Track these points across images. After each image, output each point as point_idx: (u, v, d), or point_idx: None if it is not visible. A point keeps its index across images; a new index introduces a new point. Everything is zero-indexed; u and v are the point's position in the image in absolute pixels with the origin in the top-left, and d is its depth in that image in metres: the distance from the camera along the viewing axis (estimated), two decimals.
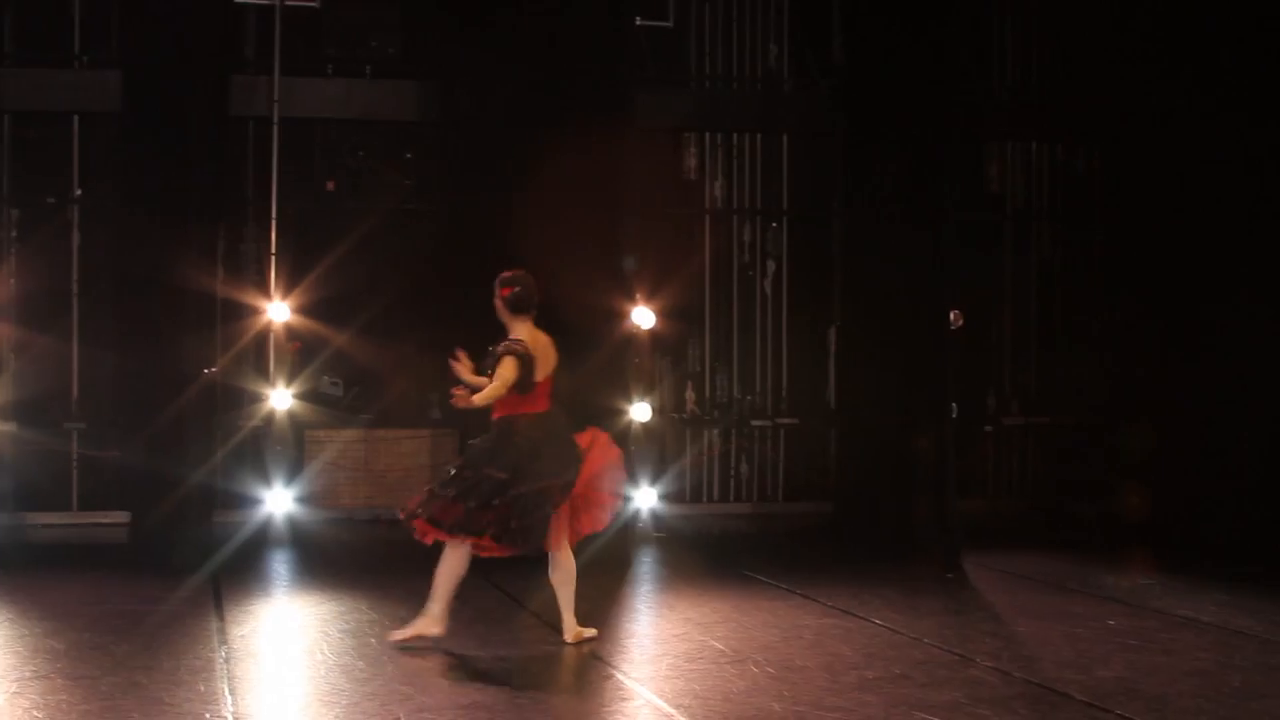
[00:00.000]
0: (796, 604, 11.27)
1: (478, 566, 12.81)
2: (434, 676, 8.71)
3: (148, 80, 13.65)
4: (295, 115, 15.53)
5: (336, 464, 15.47)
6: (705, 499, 16.59)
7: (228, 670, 8.86)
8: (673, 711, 7.91)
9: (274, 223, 15.12)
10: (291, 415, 14.97)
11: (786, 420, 16.78)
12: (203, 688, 8.39)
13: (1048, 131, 17.17)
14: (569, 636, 9.66)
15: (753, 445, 16.73)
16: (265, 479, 14.71)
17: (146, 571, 12.26)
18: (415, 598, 11.30)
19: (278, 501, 14.68)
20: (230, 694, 8.23)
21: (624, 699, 8.35)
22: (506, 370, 9.50)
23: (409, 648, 9.45)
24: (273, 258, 15.05)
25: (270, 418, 14.86)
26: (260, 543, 14.11)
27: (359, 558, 13.66)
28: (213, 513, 13.89)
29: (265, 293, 14.94)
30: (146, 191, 13.49)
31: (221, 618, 10.51)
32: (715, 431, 16.68)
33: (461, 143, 14.86)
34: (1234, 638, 10.06)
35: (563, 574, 9.70)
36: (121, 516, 13.91)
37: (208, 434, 13.80)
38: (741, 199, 16.83)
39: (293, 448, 15.07)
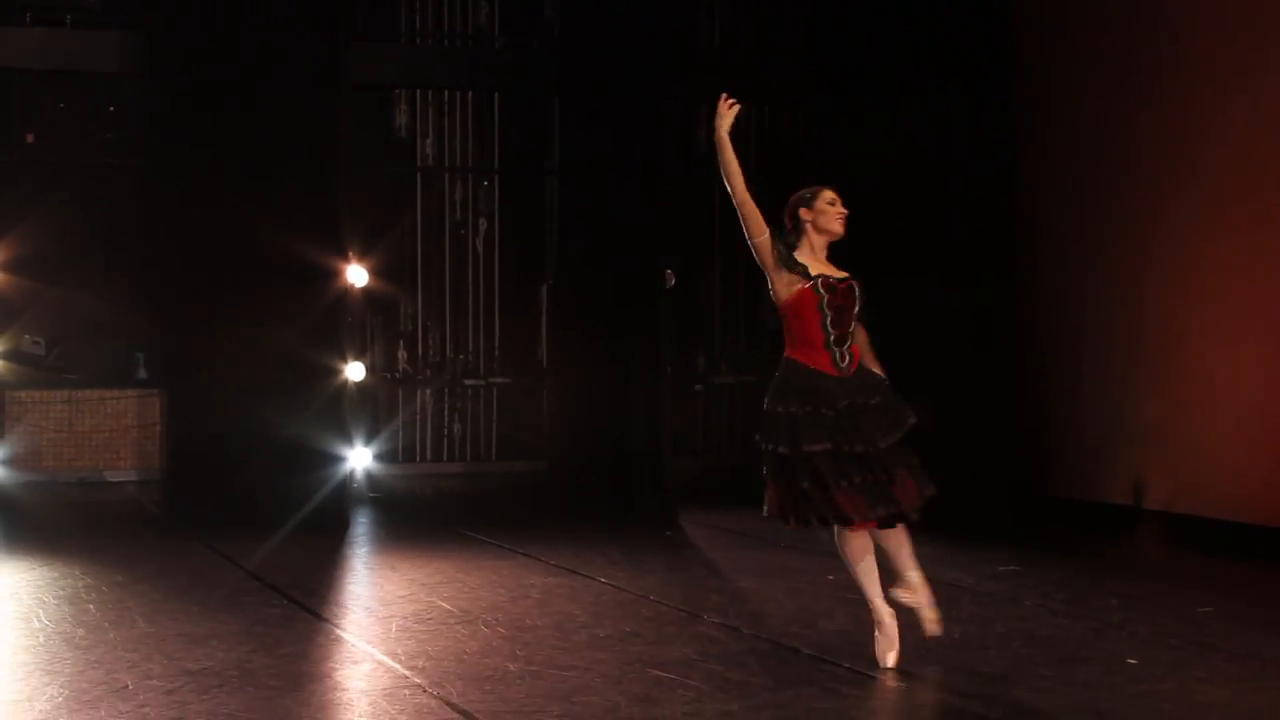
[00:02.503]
0: (521, 563, 11.29)
1: (190, 529, 12.67)
2: (158, 643, 8.50)
3: None
4: None
5: (39, 426, 15.05)
6: (418, 459, 16.52)
7: None
8: (407, 673, 7.84)
9: None
10: None
11: (499, 379, 16.78)
12: None
13: (754, 93, 17.33)
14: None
15: (465, 404, 16.69)
16: None
17: None
18: (130, 561, 11.15)
19: None
20: None
21: (355, 662, 8.26)
22: None
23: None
24: None
25: None
26: None
27: (67, 521, 13.34)
28: None
29: None
30: None
31: None
32: (428, 391, 16.59)
33: (165, 96, 14.51)
34: (949, 590, 10.24)
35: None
36: None
37: None
38: (453, 157, 16.74)
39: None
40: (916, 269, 14.58)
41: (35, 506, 13.97)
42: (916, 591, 8.06)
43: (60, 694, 7.41)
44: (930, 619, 8.08)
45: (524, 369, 16.79)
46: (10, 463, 14.67)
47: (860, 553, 8.02)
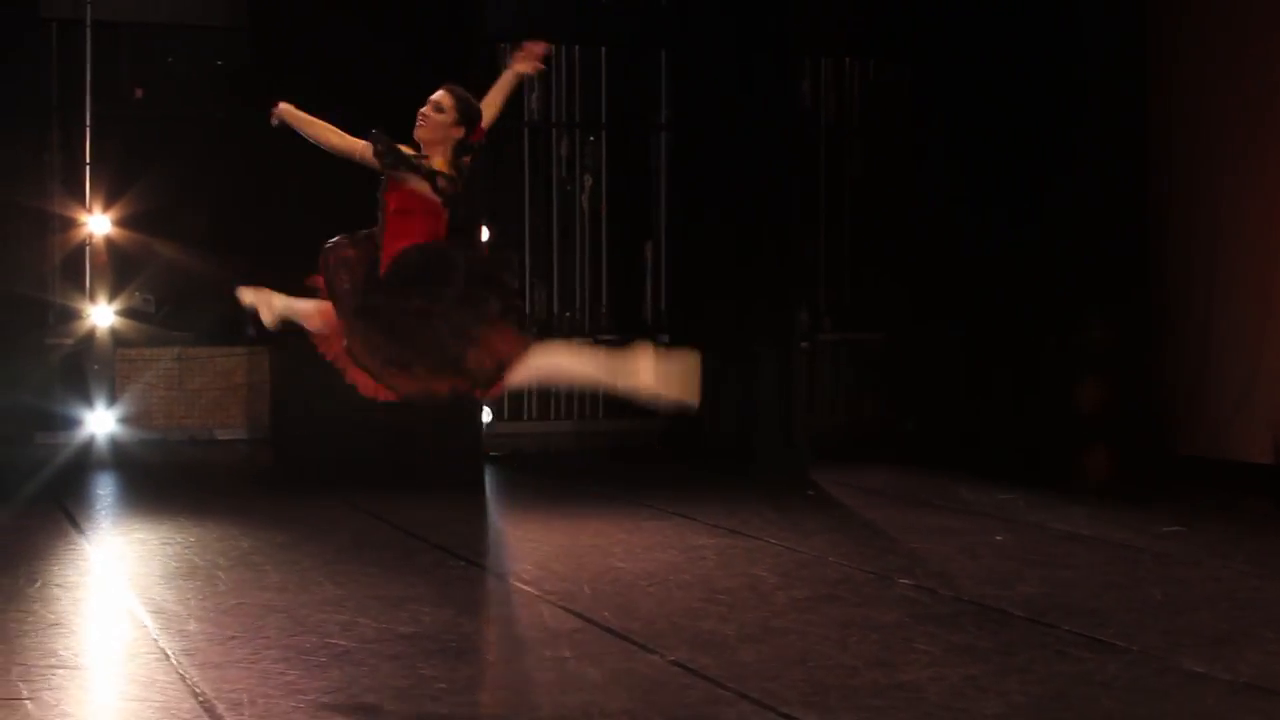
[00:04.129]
0: (677, 524, 11.13)
1: (325, 488, 12.45)
2: (356, 606, 8.36)
3: None
4: (102, 19, 14.80)
5: (149, 384, 14.90)
6: (525, 416, 16.31)
7: (112, 600, 8.48)
8: (627, 638, 7.70)
9: (88, 131, 14.41)
10: (114, 333, 14.39)
11: (606, 337, 16.57)
12: (124, 626, 7.99)
13: (859, 47, 17.12)
14: None
15: None
16: (86, 399, 14.08)
17: None
18: (281, 521, 11.03)
19: (99, 422, 14.09)
20: (159, 630, 7.81)
21: (570, 628, 8.04)
22: None
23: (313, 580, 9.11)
24: (87, 168, 14.36)
25: (91, 335, 14.22)
26: (87, 466, 13.62)
27: (197, 481, 13.19)
28: (34, 435, 13.32)
29: (82, 204, 14.27)
30: None
31: (84, 548, 10.09)
32: None
33: (274, 48, 14.24)
34: (1124, 551, 10.18)
35: None
36: None
37: (27, 352, 13.22)
38: (559, 112, 16.53)
39: (110, 366, 14.45)
40: (1039, 221, 14.39)
41: (160, 466, 13.83)
42: None
43: (282, 656, 7.30)
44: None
45: (631, 326, 16.58)
46: (124, 421, 14.49)
47: None
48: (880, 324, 16.74)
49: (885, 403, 16.32)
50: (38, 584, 8.89)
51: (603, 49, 16.57)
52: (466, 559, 9.77)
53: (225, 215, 15.16)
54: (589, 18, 16.45)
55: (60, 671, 7.02)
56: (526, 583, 9.08)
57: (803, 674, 7.06)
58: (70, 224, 14.18)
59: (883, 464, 14.35)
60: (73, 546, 10.14)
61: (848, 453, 15.02)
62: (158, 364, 14.98)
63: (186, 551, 9.97)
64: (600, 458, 15.16)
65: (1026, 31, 14.62)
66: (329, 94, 13.22)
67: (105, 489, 12.83)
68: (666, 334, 16.00)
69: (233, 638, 7.68)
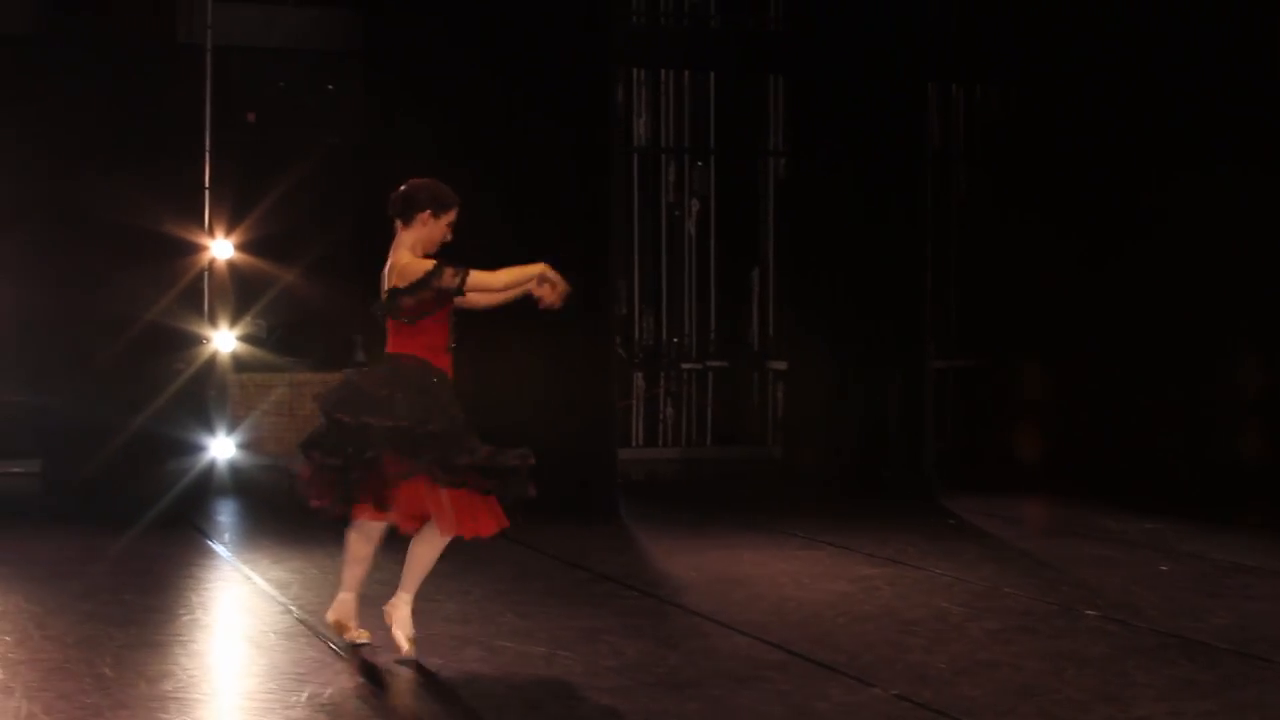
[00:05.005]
0: (833, 554, 10.99)
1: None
2: (551, 636, 8.24)
3: None
4: (220, 44, 14.71)
5: (263, 410, 14.81)
6: (632, 444, 16.17)
7: (303, 626, 8.38)
8: (843, 671, 7.56)
9: (208, 156, 14.32)
10: (235, 358, 14.32)
11: (715, 363, 16.48)
12: (298, 652, 7.89)
13: (965, 73, 17.01)
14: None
15: (680, 389, 16.37)
16: (207, 424, 13.95)
17: (93, 523, 11.72)
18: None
19: (220, 448, 13.98)
20: (361, 662, 7.69)
21: (771, 657, 7.92)
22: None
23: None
24: (207, 192, 14.27)
25: (212, 361, 14.10)
26: (212, 491, 13.54)
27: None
28: (156, 461, 13.22)
29: (202, 229, 14.16)
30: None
31: (246, 575, 10.00)
32: (641, 375, 16.31)
33: (393, 74, 14.14)
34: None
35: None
36: (31, 466, 13.49)
37: (149, 378, 13.11)
38: (668, 137, 16.44)
39: (229, 392, 14.36)
40: (1162, 247, 14.30)
41: (283, 492, 13.72)
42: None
43: (501, 690, 7.20)
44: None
45: (740, 352, 16.50)
46: (242, 446, 14.39)
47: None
48: (986, 349, 16.62)
49: (999, 429, 16.17)
50: (211, 612, 8.85)
51: (712, 74, 16.48)
52: (639, 589, 9.64)
53: (337, 239, 15.05)
54: (698, 43, 16.38)
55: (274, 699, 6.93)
56: (710, 614, 8.93)
57: (1034, 708, 6.92)
58: (191, 249, 14.03)
59: (1010, 491, 14.21)
60: (231, 577, 10.08)
61: (967, 479, 14.86)
62: (272, 390, 14.89)
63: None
64: (713, 484, 15.04)
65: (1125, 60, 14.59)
66: (444, 122, 13.22)
67: (239, 516, 12.75)
68: (780, 360, 15.92)
69: (439, 670, 7.57)
